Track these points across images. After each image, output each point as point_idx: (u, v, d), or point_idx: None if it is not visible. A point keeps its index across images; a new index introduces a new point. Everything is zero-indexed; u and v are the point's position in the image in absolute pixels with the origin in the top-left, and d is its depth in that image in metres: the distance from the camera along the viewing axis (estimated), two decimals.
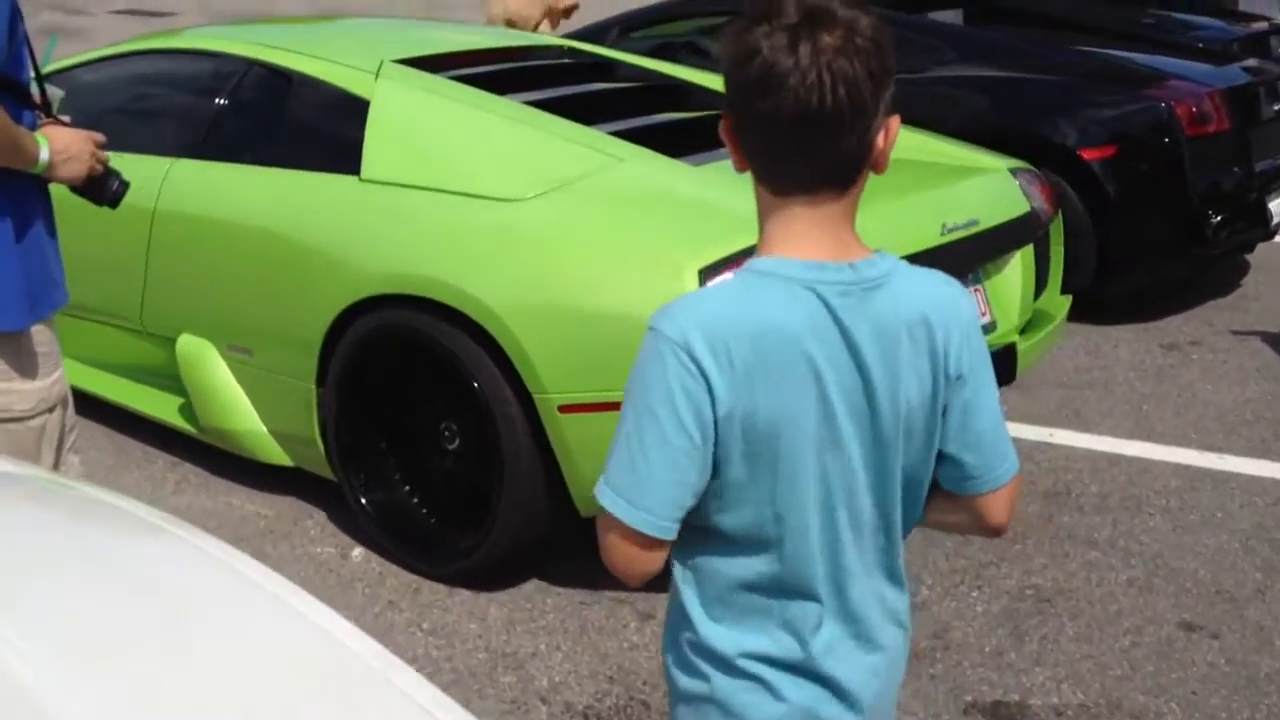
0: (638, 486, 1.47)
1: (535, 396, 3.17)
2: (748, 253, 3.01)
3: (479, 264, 3.29)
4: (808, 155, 1.43)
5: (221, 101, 4.10)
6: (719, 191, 3.35)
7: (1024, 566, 3.65)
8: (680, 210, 3.36)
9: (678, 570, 1.58)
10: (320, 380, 3.56)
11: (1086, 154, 5.51)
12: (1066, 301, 4.38)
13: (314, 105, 3.90)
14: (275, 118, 3.97)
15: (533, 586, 3.48)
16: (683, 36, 7.39)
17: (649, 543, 1.48)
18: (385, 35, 4.83)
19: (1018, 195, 4.00)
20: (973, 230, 3.67)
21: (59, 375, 2.61)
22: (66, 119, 2.59)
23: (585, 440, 3.15)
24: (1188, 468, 4.29)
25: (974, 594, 3.52)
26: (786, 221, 1.49)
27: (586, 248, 3.27)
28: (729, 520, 1.52)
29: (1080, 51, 6.35)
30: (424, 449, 3.51)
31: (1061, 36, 6.69)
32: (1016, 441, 4.46)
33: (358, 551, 3.62)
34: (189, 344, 3.87)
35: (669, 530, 1.49)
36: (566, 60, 4.64)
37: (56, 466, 2.62)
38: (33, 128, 2.46)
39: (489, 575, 3.43)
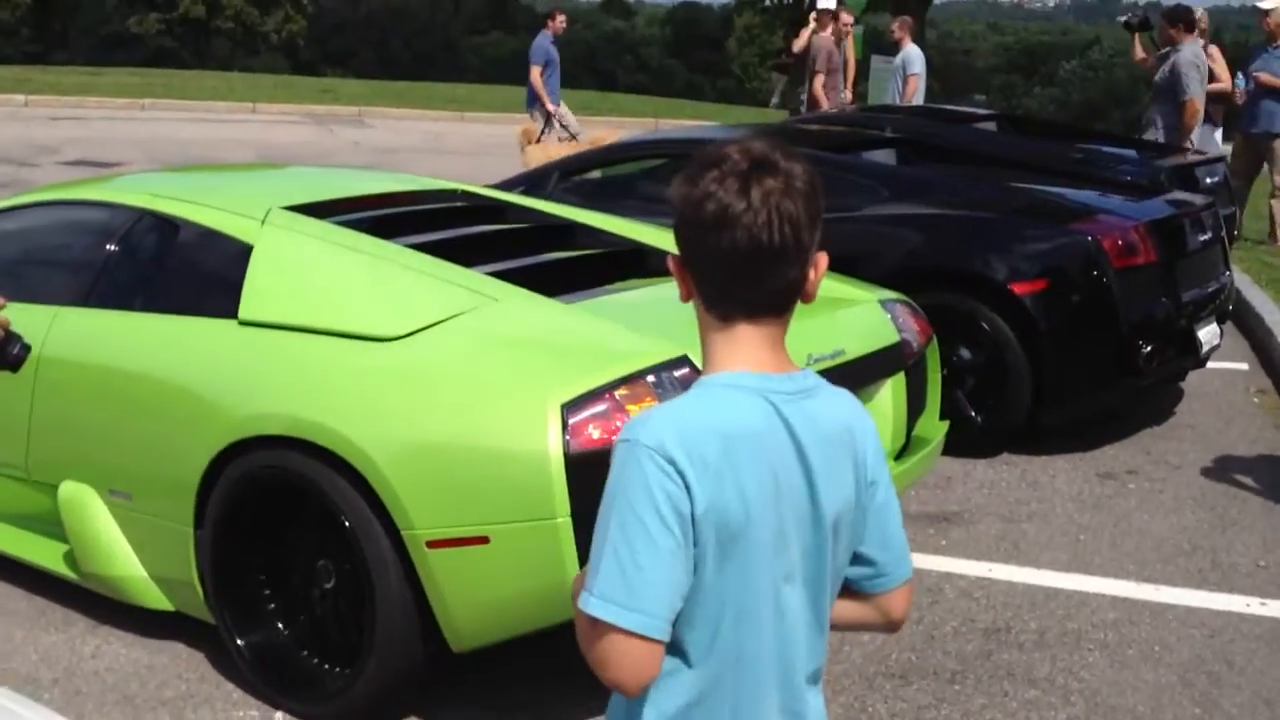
0: (630, 591, 1.54)
1: (403, 532, 3.21)
2: (610, 387, 3.18)
3: (348, 403, 3.35)
4: (757, 284, 1.62)
5: (111, 249, 4.16)
6: (587, 329, 3.50)
7: (963, 708, 3.60)
8: (547, 348, 3.44)
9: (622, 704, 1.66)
10: (198, 523, 3.58)
11: (1018, 288, 5.59)
12: (943, 426, 4.47)
13: (200, 252, 3.98)
14: (162, 265, 4.04)
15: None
16: (620, 178, 7.52)
17: (648, 645, 1.55)
18: (283, 182, 4.97)
19: (887, 325, 4.13)
20: (840, 360, 3.78)
21: None
22: None
23: (453, 574, 3.18)
24: (1125, 600, 4.27)
25: None
26: (733, 342, 1.65)
27: (453, 386, 3.33)
28: (690, 630, 1.61)
29: (1010, 188, 6.49)
30: (301, 588, 3.54)
31: (992, 173, 6.84)
32: (956, 578, 4.45)
33: (279, 715, 3.52)
34: (70, 490, 3.87)
35: (666, 631, 1.56)
36: (459, 204, 4.77)
37: None
38: None
39: (365, 714, 3.41)
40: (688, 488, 1.55)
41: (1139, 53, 10.26)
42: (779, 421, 1.63)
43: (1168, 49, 9.58)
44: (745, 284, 1.62)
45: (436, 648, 3.32)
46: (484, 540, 3.14)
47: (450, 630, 3.27)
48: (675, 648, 1.61)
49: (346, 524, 3.28)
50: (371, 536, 3.25)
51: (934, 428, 4.40)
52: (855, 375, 3.80)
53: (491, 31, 61.50)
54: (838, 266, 6.70)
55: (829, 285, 4.21)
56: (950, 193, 6.25)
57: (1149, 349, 5.65)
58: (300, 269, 3.76)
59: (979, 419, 5.64)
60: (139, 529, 3.77)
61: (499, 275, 3.77)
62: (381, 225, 4.10)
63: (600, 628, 1.56)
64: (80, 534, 3.86)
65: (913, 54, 11.74)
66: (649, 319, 3.62)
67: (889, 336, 4.10)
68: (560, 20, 13.08)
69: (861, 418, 1.73)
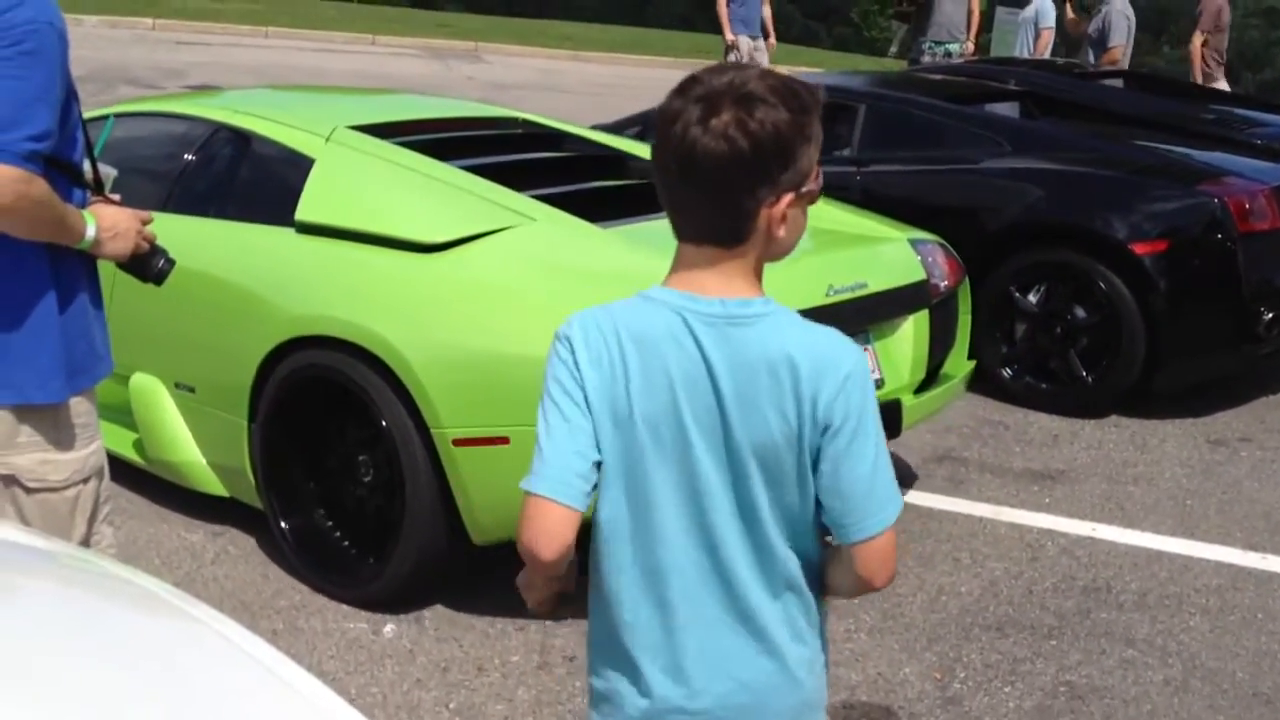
0: (541, 459, 1.71)
1: (433, 431, 3.46)
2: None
3: (388, 309, 3.60)
4: (699, 212, 1.67)
5: (188, 159, 4.44)
6: (614, 251, 3.74)
7: (1059, 663, 3.60)
8: (574, 266, 3.69)
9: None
10: (252, 416, 3.84)
11: (1138, 248, 5.50)
12: (970, 365, 4.63)
13: (267, 164, 4.24)
14: (233, 175, 4.32)
15: (563, 670, 3.48)
16: None
17: (556, 509, 1.69)
18: (355, 104, 5.27)
19: (913, 263, 4.28)
20: (860, 293, 3.95)
21: (96, 446, 2.66)
22: (117, 197, 2.67)
23: (477, 471, 3.44)
24: (1230, 566, 4.23)
25: (1007, 689, 3.48)
26: (678, 260, 1.73)
27: (485, 296, 3.59)
28: (602, 510, 1.76)
29: (1135, 146, 6.36)
30: (342, 481, 3.80)
31: (1118, 131, 6.71)
32: (1059, 535, 4.43)
33: (390, 628, 3.65)
34: (141, 381, 4.15)
35: (570, 494, 1.68)
36: (518, 131, 5.00)
37: (89, 537, 2.67)
38: (82, 205, 2.54)
39: (392, 599, 3.67)
40: (578, 367, 1.69)
41: (1069, 14, 10.92)
42: (690, 339, 1.68)
43: (1101, 5, 10.33)
44: (689, 210, 1.68)
45: (460, 540, 3.57)
46: (504, 440, 3.40)
47: (472, 523, 3.53)
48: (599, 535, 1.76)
49: (383, 423, 3.53)
50: (405, 434, 3.50)
51: (960, 365, 4.57)
52: (876, 308, 4.02)
53: None
54: (954, 217, 6.68)
55: (860, 222, 4.52)
56: (1073, 149, 6.14)
57: (1270, 316, 5.53)
58: (354, 180, 4.00)
59: (1090, 379, 5.58)
60: (200, 420, 4.06)
61: (546, 199, 3.96)
62: (439, 147, 4.31)
63: (525, 500, 1.72)
64: (148, 422, 4.15)
65: (1046, 7, 11.45)
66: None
67: (915, 274, 4.25)
68: None
69: (823, 359, 1.68)
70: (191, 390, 4.04)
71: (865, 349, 4.00)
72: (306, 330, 3.70)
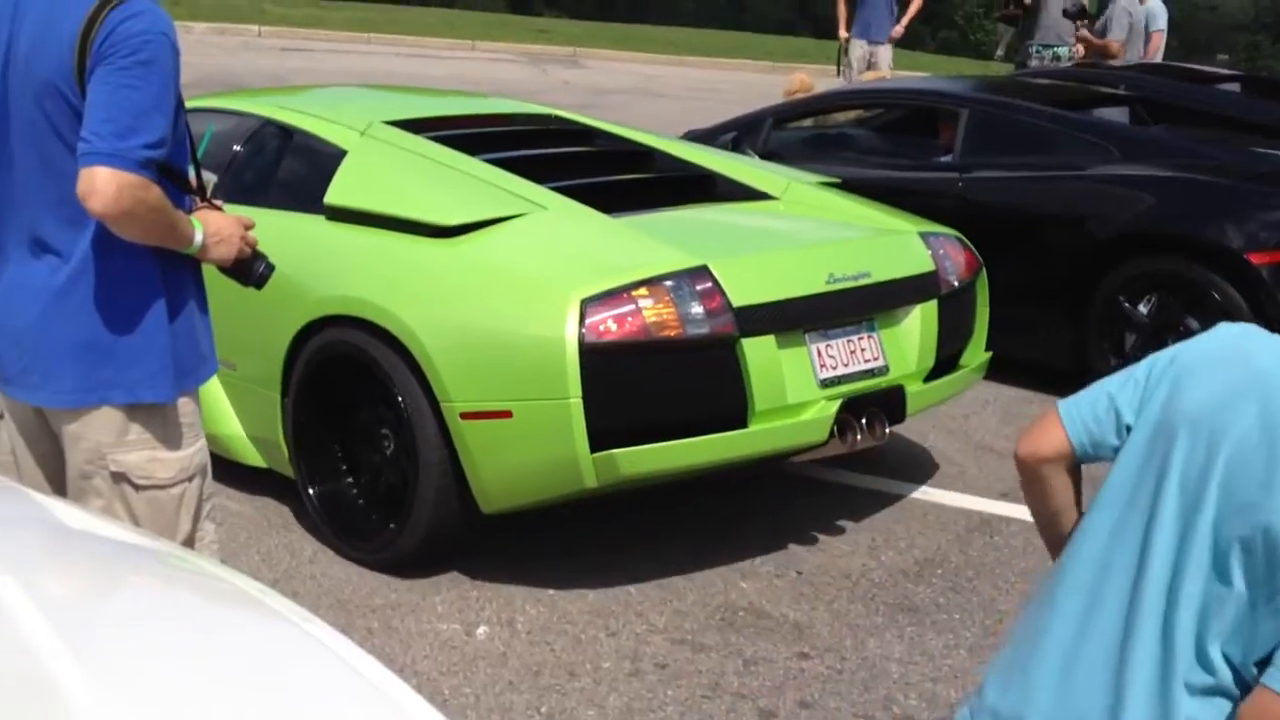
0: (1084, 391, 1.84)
1: (442, 404, 3.67)
2: (630, 287, 3.59)
3: (403, 289, 3.83)
4: None
5: (237, 150, 4.69)
6: (621, 238, 3.94)
7: None
8: (580, 251, 3.90)
9: None
10: (284, 391, 4.09)
11: (1254, 258, 5.31)
12: (985, 356, 4.70)
13: (305, 156, 4.50)
14: (275, 166, 4.58)
15: (655, 677, 3.44)
16: (834, 129, 7.42)
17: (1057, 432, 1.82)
18: (398, 101, 5.58)
19: (922, 254, 4.35)
20: (862, 282, 4.06)
21: (200, 445, 2.70)
22: (219, 204, 2.70)
23: (482, 443, 3.65)
24: None
25: None
26: None
27: (494, 278, 3.78)
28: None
29: (1252, 153, 6.16)
30: (366, 452, 4.03)
31: (1234, 137, 6.51)
32: None
33: (482, 630, 3.63)
34: None
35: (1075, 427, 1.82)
36: (550, 126, 5.22)
37: (193, 533, 2.69)
38: (189, 211, 2.57)
39: (407, 562, 3.89)
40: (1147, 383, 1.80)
41: (1083, 32, 10.79)
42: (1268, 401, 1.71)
43: (1108, 4, 10.55)
44: None
45: (469, 509, 3.79)
46: (508, 414, 3.60)
47: (480, 493, 3.73)
48: None
49: (399, 398, 3.75)
50: (418, 408, 3.72)
51: (976, 355, 4.65)
52: (880, 297, 4.13)
53: None
54: (1061, 225, 6.55)
55: (870, 214, 4.64)
56: (1185, 155, 5.96)
57: None
58: (379, 169, 4.26)
59: None
60: (239, 394, 4.29)
61: (564, 190, 4.15)
62: (469, 141, 4.53)
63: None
64: None
65: (1157, 8, 11.18)
66: (683, 234, 4.03)
67: (923, 265, 4.31)
68: None
69: None
70: (233, 367, 4.22)
71: (870, 336, 4.11)
72: (332, 310, 3.93)
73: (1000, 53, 18.59)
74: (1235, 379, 1.68)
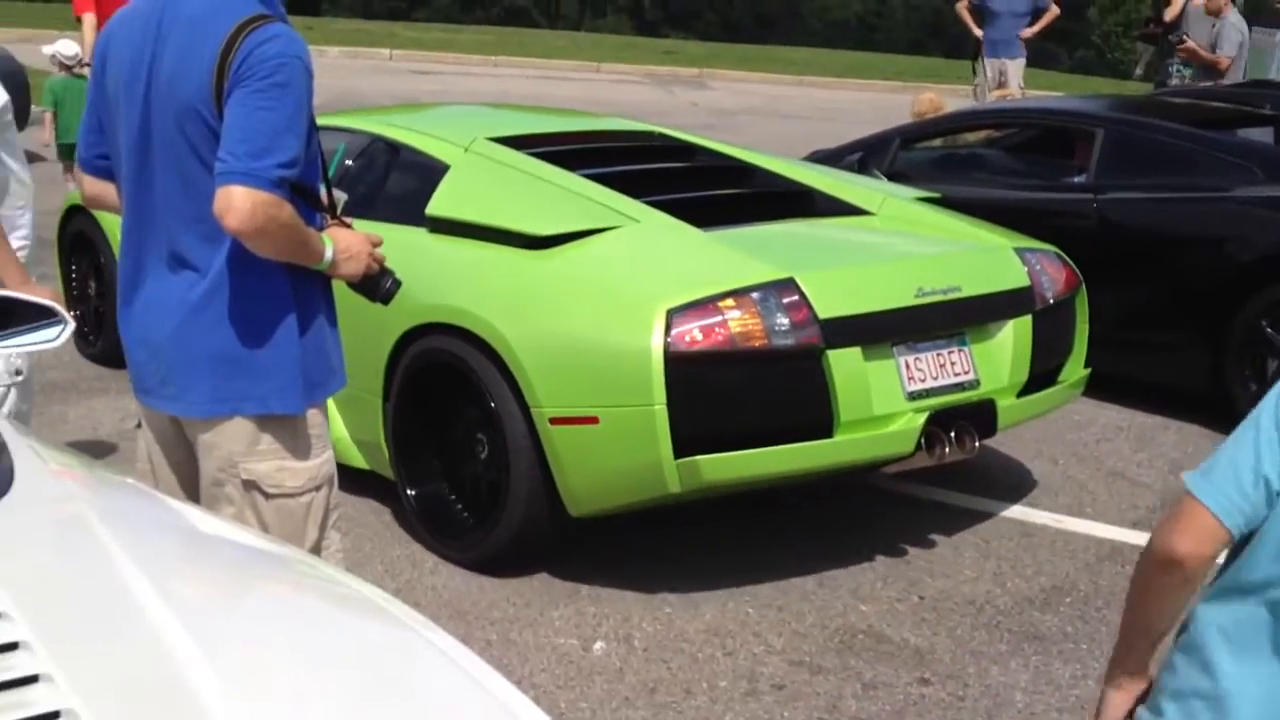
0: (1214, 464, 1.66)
1: (532, 409, 3.79)
2: (716, 298, 3.68)
3: (498, 298, 3.94)
4: None
5: (348, 166, 4.86)
6: (710, 251, 4.00)
7: None
8: (669, 263, 3.98)
9: None
10: (386, 396, 4.24)
11: None
12: (1084, 373, 4.65)
13: (411, 171, 4.66)
14: (383, 180, 4.74)
15: (771, 698, 3.41)
16: (964, 149, 7.32)
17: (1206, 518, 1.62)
18: (504, 119, 5.77)
19: (1017, 270, 4.35)
20: (952, 296, 4.08)
21: (328, 456, 2.76)
22: (349, 221, 2.75)
23: (570, 448, 3.75)
24: None
25: None
26: None
27: (585, 288, 3.89)
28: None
29: None
30: (461, 455, 4.14)
31: None
32: None
33: (599, 645, 3.64)
34: None
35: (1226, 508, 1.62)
36: (653, 143, 5.33)
37: (320, 542, 2.74)
38: (320, 229, 2.63)
39: (496, 562, 4.00)
40: None
41: (1190, 44, 10.58)
42: None
43: (1215, 20, 10.21)
44: None
45: (557, 512, 3.87)
46: (595, 420, 3.70)
47: (567, 496, 3.82)
48: None
49: (492, 404, 3.87)
50: (510, 414, 3.84)
51: (1075, 371, 4.60)
52: (971, 311, 4.15)
53: None
54: (1201, 248, 6.38)
55: (967, 229, 4.65)
56: None
57: None
58: (479, 182, 4.42)
59: None
60: (346, 399, 4.29)
61: (659, 204, 4.23)
62: (570, 157, 4.65)
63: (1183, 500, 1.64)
64: None
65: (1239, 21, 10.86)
66: (772, 248, 4.09)
67: (1017, 280, 4.31)
68: None
69: None
70: None
71: (961, 350, 4.11)
72: (430, 319, 4.06)
73: (1139, 71, 18.20)
74: None
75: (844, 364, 3.77)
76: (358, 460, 4.46)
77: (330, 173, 2.95)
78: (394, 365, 4.19)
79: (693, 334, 3.62)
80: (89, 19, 9.18)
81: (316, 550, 2.70)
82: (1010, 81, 11.56)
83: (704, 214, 4.25)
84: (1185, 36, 10.68)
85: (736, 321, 3.66)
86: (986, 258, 4.38)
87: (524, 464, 3.82)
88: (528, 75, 19.16)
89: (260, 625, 1.60)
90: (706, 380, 3.66)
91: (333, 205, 2.73)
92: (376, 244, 2.74)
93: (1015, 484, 4.89)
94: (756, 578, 4.06)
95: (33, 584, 1.52)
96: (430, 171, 4.52)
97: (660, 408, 3.58)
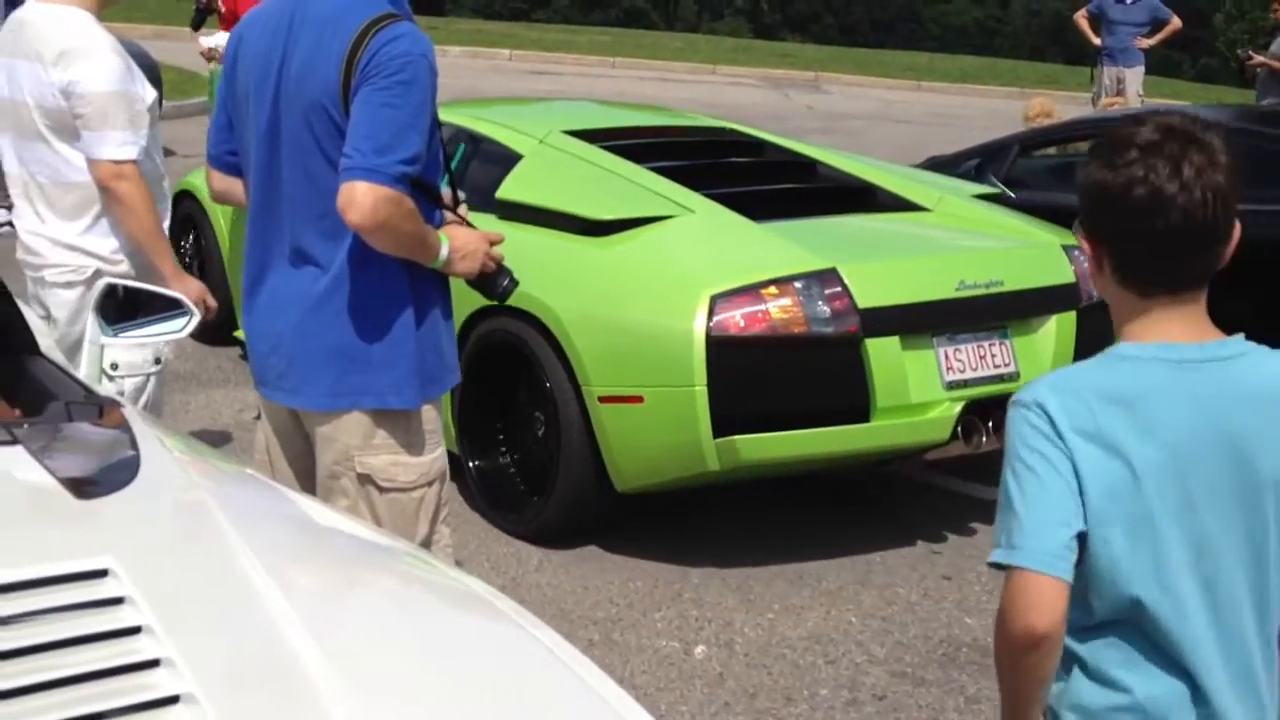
0: (1022, 531, 1.60)
1: (582, 388, 3.98)
2: (759, 285, 3.80)
3: (555, 282, 4.09)
4: (1188, 262, 1.62)
5: (469, 163, 5.04)
6: (759, 241, 4.15)
7: None
8: (718, 251, 4.12)
9: None
10: None
11: None
12: None
13: (490, 160, 4.85)
14: (464, 170, 4.84)
15: (872, 708, 3.40)
16: (1083, 157, 7.19)
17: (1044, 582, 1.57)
18: (582, 113, 6.01)
19: (1064, 266, 4.41)
20: (993, 290, 4.17)
21: (440, 452, 2.81)
22: (469, 219, 2.80)
23: (616, 425, 3.95)
24: None
25: None
26: (1148, 316, 1.64)
27: (637, 274, 4.07)
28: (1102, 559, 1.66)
29: None
30: (521, 432, 4.35)
31: None
32: None
33: (700, 649, 3.66)
34: None
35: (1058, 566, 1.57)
36: (724, 139, 5.53)
37: (430, 536, 2.80)
38: (438, 226, 2.68)
39: (551, 534, 4.22)
40: (1060, 437, 1.58)
41: (1257, 58, 10.48)
42: (1184, 388, 1.60)
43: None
44: (1176, 262, 1.61)
45: (605, 487, 4.06)
46: (640, 399, 3.90)
47: (614, 472, 4.02)
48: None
49: (547, 383, 4.07)
50: (563, 392, 4.04)
51: None
52: (1013, 305, 4.23)
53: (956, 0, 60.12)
54: None
55: (1019, 226, 4.71)
56: None
57: None
58: (548, 170, 4.62)
59: None
60: None
61: (717, 196, 4.38)
62: (640, 150, 4.82)
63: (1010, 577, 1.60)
64: None
65: None
66: (820, 239, 4.22)
67: (1063, 276, 4.38)
68: None
69: None
70: None
71: (1002, 343, 4.21)
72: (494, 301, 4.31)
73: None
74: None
75: (882, 352, 3.92)
76: None
77: (453, 170, 3.00)
78: (461, 346, 4.31)
79: (735, 319, 3.80)
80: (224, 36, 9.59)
81: (427, 544, 2.76)
82: (1128, 90, 11.35)
83: (762, 207, 4.40)
84: (1252, 54, 10.55)
85: (778, 308, 3.82)
86: (1033, 254, 4.45)
87: (574, 441, 4.03)
88: (644, 77, 19.24)
89: (373, 617, 1.65)
90: (746, 364, 3.83)
91: (456, 201, 2.77)
92: (495, 242, 2.78)
93: None
94: (860, 587, 4.04)
95: (155, 570, 1.58)
96: (506, 161, 4.72)
97: (701, 389, 3.76)
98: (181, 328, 3.10)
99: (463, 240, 2.68)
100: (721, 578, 4.06)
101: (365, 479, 2.69)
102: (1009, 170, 6.47)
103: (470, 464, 4.45)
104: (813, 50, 26.41)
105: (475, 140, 4.98)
